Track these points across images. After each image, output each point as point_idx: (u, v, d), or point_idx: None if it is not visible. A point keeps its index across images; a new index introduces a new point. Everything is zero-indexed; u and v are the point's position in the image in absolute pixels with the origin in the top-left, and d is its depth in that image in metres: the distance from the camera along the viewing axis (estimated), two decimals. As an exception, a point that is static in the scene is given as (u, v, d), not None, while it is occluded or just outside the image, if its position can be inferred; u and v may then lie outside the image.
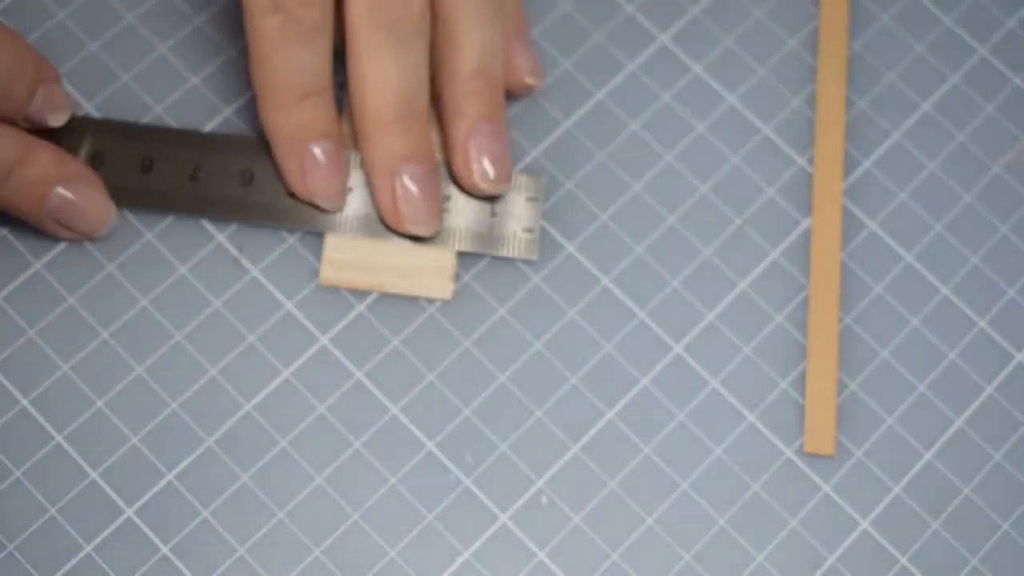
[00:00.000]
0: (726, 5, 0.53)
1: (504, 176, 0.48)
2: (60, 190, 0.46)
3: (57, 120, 0.47)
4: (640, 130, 0.51)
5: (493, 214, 0.48)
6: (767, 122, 0.51)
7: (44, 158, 0.46)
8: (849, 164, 0.51)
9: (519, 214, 0.49)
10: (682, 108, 0.51)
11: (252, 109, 0.50)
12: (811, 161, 0.51)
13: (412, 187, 0.47)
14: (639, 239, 0.50)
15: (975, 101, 0.52)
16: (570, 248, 0.49)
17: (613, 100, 0.51)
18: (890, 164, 0.51)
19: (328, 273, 0.48)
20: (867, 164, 0.51)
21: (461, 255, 0.49)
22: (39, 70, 0.46)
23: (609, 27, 0.52)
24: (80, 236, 0.48)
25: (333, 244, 0.48)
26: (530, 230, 0.49)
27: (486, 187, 0.48)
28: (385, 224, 0.48)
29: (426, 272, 0.48)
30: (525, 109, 0.51)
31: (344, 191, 0.48)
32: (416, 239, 0.48)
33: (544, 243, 0.49)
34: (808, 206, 0.50)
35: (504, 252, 0.48)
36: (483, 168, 0.48)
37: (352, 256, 0.48)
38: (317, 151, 0.47)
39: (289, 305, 0.48)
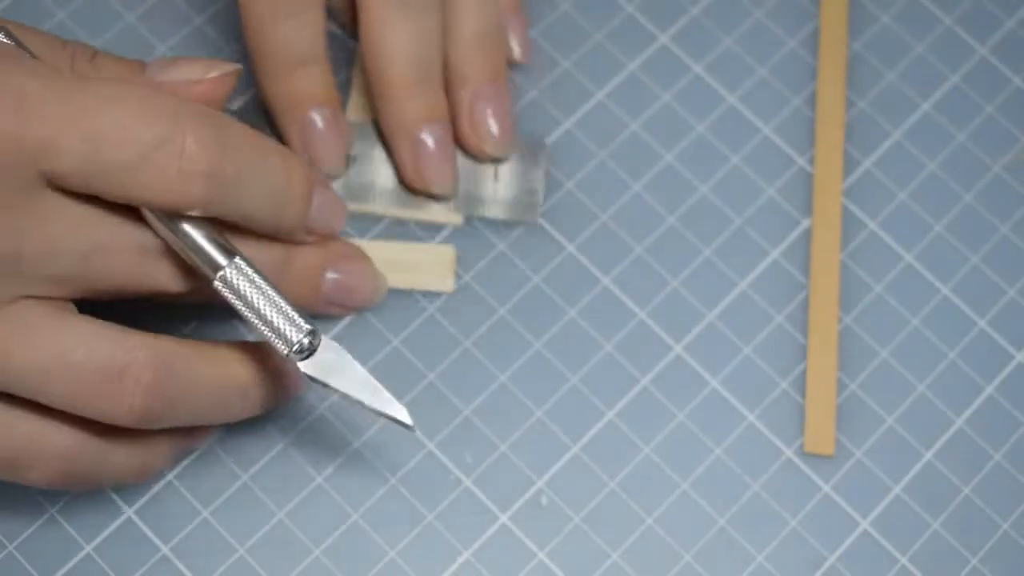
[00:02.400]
0: (726, 5, 0.53)
1: (507, 136, 0.48)
2: (331, 275, 0.46)
3: (339, 225, 0.46)
4: (640, 130, 0.51)
5: (496, 178, 0.49)
6: (767, 122, 0.51)
7: (307, 249, 0.45)
8: (849, 164, 0.51)
9: (521, 177, 0.49)
10: (682, 108, 0.51)
11: (252, 109, 0.50)
12: (811, 161, 0.51)
13: (431, 146, 0.47)
14: (639, 239, 0.50)
15: (975, 101, 0.52)
16: (570, 248, 0.49)
17: (613, 100, 0.51)
18: (890, 164, 0.51)
19: (328, 273, 0.48)
20: (867, 164, 0.51)
21: (459, 256, 0.49)
22: (309, 177, 0.44)
23: (609, 27, 0.52)
24: (355, 310, 0.47)
25: None
26: (532, 192, 0.49)
27: (490, 148, 0.48)
28: (406, 186, 0.48)
29: (427, 266, 0.48)
30: (525, 109, 0.51)
31: (344, 155, 0.48)
32: (433, 197, 0.49)
33: (544, 243, 0.49)
34: (808, 206, 0.50)
35: (506, 215, 0.49)
36: (487, 128, 0.48)
37: None
38: (315, 117, 0.47)
39: (289, 305, 0.48)
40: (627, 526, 0.46)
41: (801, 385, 0.48)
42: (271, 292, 0.41)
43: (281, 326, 0.41)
